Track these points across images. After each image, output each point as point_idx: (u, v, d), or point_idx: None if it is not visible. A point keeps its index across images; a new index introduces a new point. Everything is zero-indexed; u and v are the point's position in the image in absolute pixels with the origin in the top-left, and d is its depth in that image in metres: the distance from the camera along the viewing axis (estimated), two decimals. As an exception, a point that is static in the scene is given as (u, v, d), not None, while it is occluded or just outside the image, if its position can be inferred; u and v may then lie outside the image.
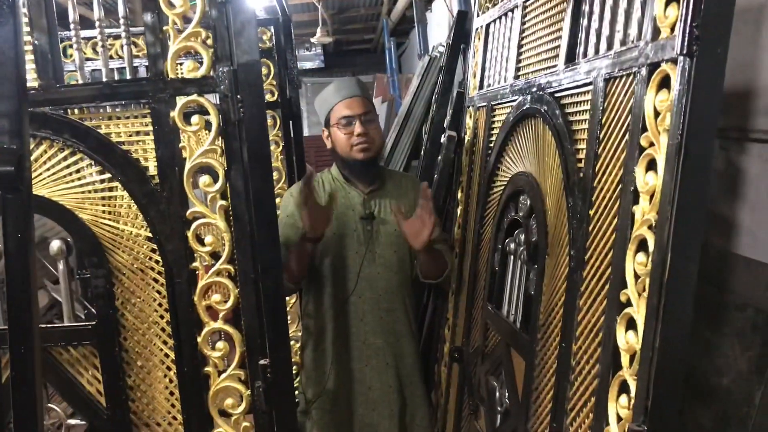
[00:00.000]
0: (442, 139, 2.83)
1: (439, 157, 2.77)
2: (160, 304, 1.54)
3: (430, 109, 3.88)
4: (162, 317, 1.54)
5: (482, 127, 2.24)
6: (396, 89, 8.21)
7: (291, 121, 3.39)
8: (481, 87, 2.32)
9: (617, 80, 1.30)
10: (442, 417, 2.44)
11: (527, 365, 1.61)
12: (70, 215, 1.51)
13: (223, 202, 1.46)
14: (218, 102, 1.44)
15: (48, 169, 1.50)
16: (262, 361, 1.48)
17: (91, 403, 1.57)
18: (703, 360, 1.85)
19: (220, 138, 1.44)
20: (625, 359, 1.17)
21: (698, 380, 1.87)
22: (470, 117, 2.41)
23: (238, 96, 1.41)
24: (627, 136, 1.23)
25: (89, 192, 1.52)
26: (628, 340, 1.16)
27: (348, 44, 11.77)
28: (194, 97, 1.44)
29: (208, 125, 1.44)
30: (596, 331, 1.30)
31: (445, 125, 3.03)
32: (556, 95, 1.60)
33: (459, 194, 2.47)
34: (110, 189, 1.51)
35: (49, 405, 1.61)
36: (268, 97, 3.33)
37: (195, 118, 1.45)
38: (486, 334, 1.99)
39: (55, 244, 1.56)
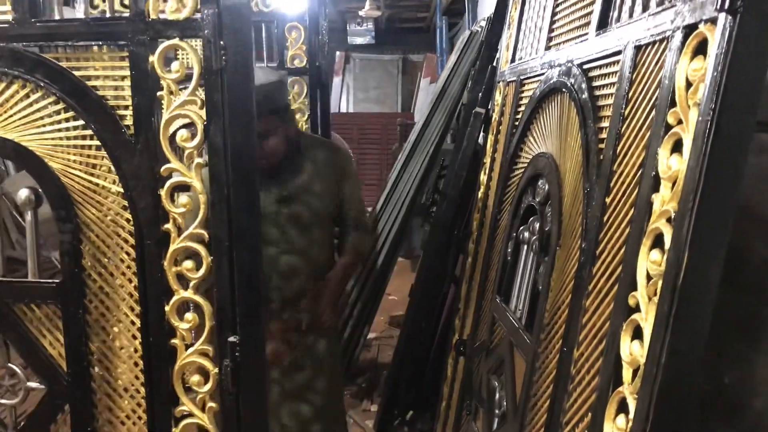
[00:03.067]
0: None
1: (464, 136, 2.59)
2: (129, 267, 1.41)
3: (466, 87, 3.69)
4: (130, 281, 1.42)
5: (510, 104, 2.06)
6: (444, 70, 8.00)
7: (319, 90, 3.25)
8: (513, 60, 2.14)
9: (648, 47, 1.11)
10: (445, 412, 2.29)
11: (527, 368, 1.44)
12: (39, 163, 1.39)
13: (200, 161, 1.32)
14: (201, 48, 1.30)
15: (18, 111, 1.38)
16: (231, 338, 1.35)
17: (52, 367, 1.46)
18: (734, 377, 1.65)
19: (200, 89, 1.31)
20: (626, 373, 0.99)
21: (727, 398, 1.67)
22: (500, 93, 2.23)
23: (222, 42, 1.27)
24: (654, 113, 1.05)
25: (61, 139, 1.39)
26: (632, 352, 0.98)
27: (401, 21, 11.51)
28: (176, 41, 1.31)
29: (189, 75, 1.31)
30: (600, 338, 1.12)
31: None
32: (584, 67, 1.42)
33: (481, 176, 2.29)
34: (83, 137, 1.39)
35: (10, 365, 1.51)
36: (296, 63, 3.20)
37: (175, 65, 1.31)
38: (492, 329, 1.82)
39: (23, 193, 1.44)
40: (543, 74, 1.72)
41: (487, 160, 2.24)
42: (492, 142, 2.22)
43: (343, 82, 11.43)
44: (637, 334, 0.98)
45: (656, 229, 0.96)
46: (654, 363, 0.90)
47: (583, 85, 1.39)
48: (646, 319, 0.95)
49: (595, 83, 1.35)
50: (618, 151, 1.17)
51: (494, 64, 2.93)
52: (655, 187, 0.99)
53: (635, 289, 0.99)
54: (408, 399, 3.40)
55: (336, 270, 2.15)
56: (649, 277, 0.97)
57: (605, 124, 1.26)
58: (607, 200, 1.18)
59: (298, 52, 3.20)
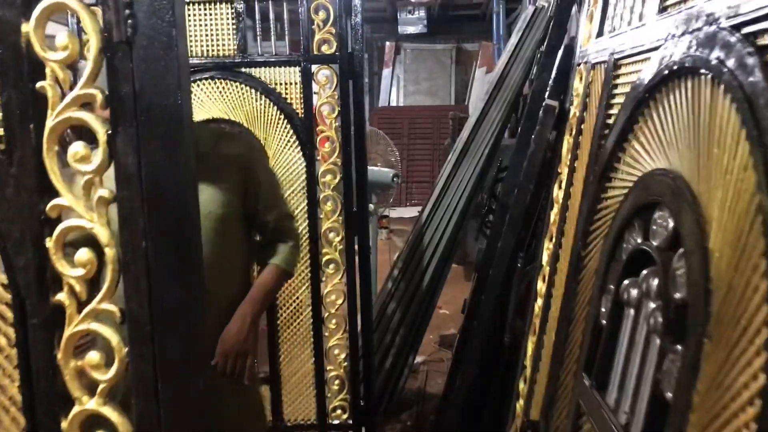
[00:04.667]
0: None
1: (532, 137, 2.01)
2: (8, 357, 0.91)
3: (530, 73, 3.10)
4: (12, 379, 0.91)
5: (597, 94, 1.48)
6: (501, 58, 7.39)
7: (351, 82, 2.71)
8: (600, 34, 1.55)
9: None
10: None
11: None
12: None
13: (105, 193, 0.80)
14: (101, 12, 0.79)
15: None
16: (158, 483, 0.83)
17: None
18: None
19: (103, 75, 0.79)
20: None
21: None
22: (580, 79, 1.65)
23: (126, -1, 0.75)
24: None
25: None
26: None
27: (455, 9, 10.86)
28: (60, -1, 0.79)
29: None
30: None
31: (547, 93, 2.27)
32: (747, 30, 0.84)
33: (555, 191, 1.72)
34: (-63, 155, 0.89)
35: None
36: (324, 49, 2.67)
37: (62, 38, 0.80)
38: (577, 422, 1.25)
39: None
40: (656, 48, 1.14)
41: (564, 170, 1.66)
42: (570, 146, 1.64)
43: (393, 74, 10.93)
44: None
45: None
46: None
47: (748, 61, 0.81)
48: None
49: (776, 55, 0.78)
50: None
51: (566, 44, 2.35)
52: None
53: None
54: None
55: (243, 307, 1.79)
56: None
57: (808, 126, 0.69)
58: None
59: (327, 36, 2.67)
